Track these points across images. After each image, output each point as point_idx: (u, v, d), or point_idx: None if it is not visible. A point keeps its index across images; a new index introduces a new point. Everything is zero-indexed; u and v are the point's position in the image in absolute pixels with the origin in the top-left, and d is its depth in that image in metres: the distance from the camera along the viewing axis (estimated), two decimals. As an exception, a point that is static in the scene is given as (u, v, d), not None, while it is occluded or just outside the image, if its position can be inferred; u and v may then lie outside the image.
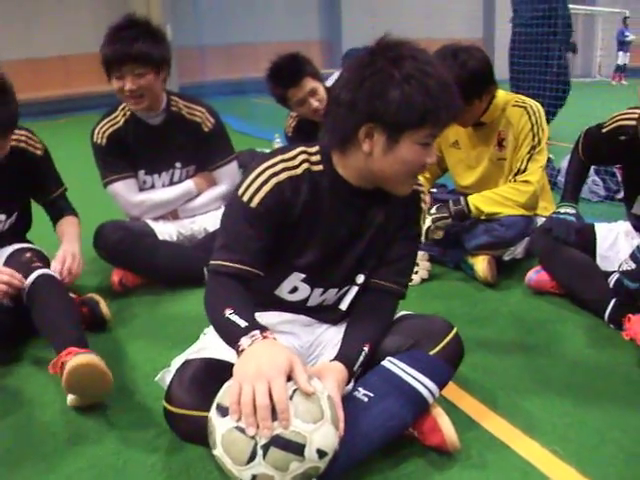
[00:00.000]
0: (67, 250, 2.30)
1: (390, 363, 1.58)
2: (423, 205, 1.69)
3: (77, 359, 1.75)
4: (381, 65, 1.41)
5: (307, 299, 1.70)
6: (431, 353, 1.59)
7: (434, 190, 3.17)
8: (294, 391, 1.27)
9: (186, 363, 1.54)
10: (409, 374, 1.55)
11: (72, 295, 2.30)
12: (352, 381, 1.56)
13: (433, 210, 2.76)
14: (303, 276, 1.64)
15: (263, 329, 1.37)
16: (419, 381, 1.55)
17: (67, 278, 2.24)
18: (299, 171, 1.53)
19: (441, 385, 1.60)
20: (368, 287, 1.70)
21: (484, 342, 2.21)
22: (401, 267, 1.71)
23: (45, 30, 9.68)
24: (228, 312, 1.41)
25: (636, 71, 13.27)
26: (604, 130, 2.42)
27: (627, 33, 14.68)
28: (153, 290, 2.75)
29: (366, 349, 1.58)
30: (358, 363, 1.55)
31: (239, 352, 1.34)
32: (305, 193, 1.53)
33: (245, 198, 1.50)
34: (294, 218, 1.53)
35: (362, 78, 1.42)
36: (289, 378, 1.28)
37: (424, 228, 2.72)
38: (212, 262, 1.53)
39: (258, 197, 1.49)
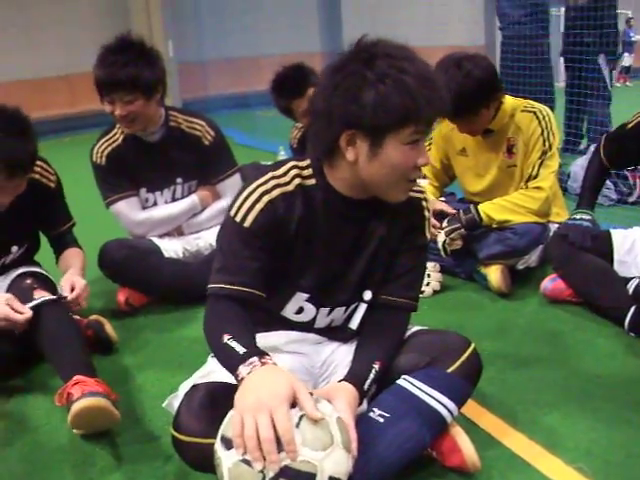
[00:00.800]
0: (76, 279, 2.21)
1: (406, 382, 1.52)
2: (426, 213, 1.62)
3: (82, 403, 1.69)
4: (353, 67, 1.35)
5: (314, 320, 1.63)
6: (449, 370, 1.52)
7: (442, 199, 3.11)
8: (300, 418, 1.21)
9: (194, 388, 1.48)
10: (426, 393, 1.49)
11: (76, 317, 2.26)
12: (365, 401, 1.50)
13: (445, 224, 2.71)
14: (307, 296, 1.59)
15: (262, 354, 1.31)
16: (437, 400, 1.49)
17: (75, 307, 2.17)
18: (291, 187, 1.48)
19: (460, 404, 1.54)
20: (377, 303, 1.63)
21: (501, 355, 2.15)
22: (410, 280, 1.64)
23: (48, 50, 9.72)
24: (226, 338, 1.35)
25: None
26: (630, 126, 2.37)
27: (631, 34, 14.62)
28: (160, 309, 2.70)
29: (377, 367, 1.51)
30: (368, 381, 1.49)
31: (239, 381, 1.28)
32: (299, 209, 1.48)
33: (238, 218, 1.45)
34: (290, 235, 1.48)
35: (335, 84, 1.36)
36: (294, 404, 1.22)
37: (440, 243, 2.71)
38: (211, 285, 1.48)
39: (251, 216, 1.44)
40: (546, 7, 4.97)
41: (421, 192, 1.61)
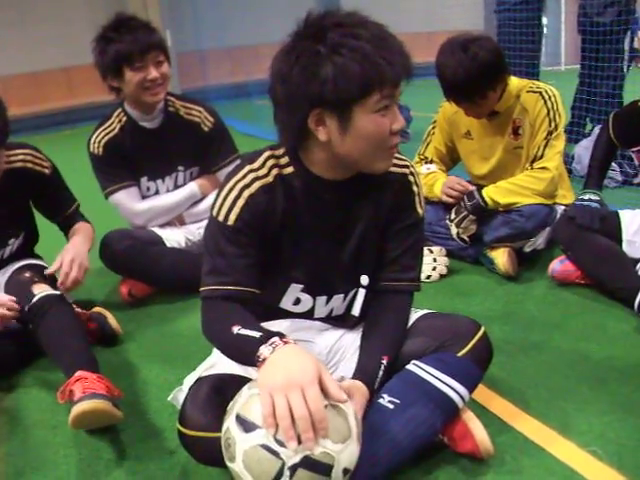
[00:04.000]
0: (64, 256, 2.19)
1: (416, 367, 1.49)
2: (415, 188, 1.56)
3: (82, 406, 1.64)
4: (304, 45, 1.30)
5: (312, 310, 1.60)
6: (459, 355, 1.50)
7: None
8: (325, 407, 1.18)
9: (199, 382, 1.45)
10: (437, 378, 1.46)
11: (79, 310, 2.24)
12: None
13: (452, 215, 2.69)
14: (301, 286, 1.55)
15: (281, 335, 1.28)
16: (448, 385, 1.46)
17: (66, 285, 2.15)
18: (270, 178, 1.44)
19: (471, 388, 1.51)
20: (377, 289, 1.59)
21: (510, 339, 2.11)
22: (407, 261, 1.59)
23: (46, 43, 9.67)
24: (237, 329, 1.32)
25: None
26: None
27: None
28: (164, 299, 2.67)
29: (384, 361, 1.48)
30: (378, 379, 1.47)
31: (260, 362, 1.24)
32: (281, 200, 1.44)
33: (221, 217, 1.42)
34: (275, 227, 1.45)
35: (290, 66, 1.31)
36: None
37: (454, 235, 2.68)
38: (203, 289, 1.45)
39: (234, 214, 1.41)
40: None
41: (406, 167, 1.55)
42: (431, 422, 1.44)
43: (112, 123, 2.70)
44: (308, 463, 1.15)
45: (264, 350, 1.24)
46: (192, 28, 10.20)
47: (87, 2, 10.06)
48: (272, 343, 1.24)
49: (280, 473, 1.15)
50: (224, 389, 1.38)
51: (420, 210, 1.57)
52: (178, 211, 2.79)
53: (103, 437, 1.75)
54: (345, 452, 1.19)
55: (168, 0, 10.10)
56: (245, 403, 1.23)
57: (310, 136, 1.37)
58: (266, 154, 1.46)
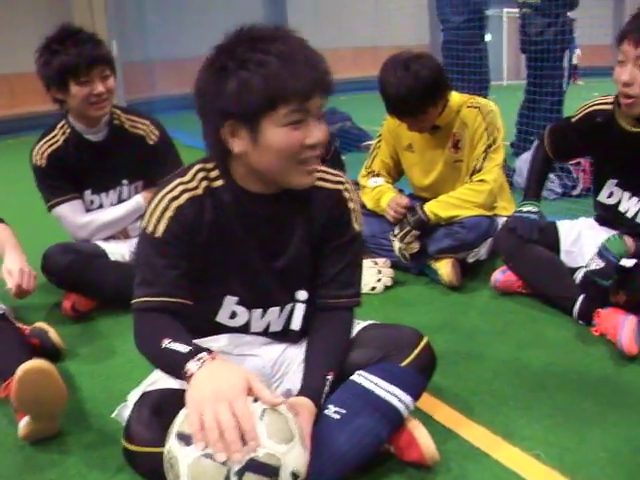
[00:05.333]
0: (11, 268, 2.16)
1: (361, 377, 1.50)
2: (351, 204, 1.56)
3: (27, 364, 1.65)
4: (217, 62, 1.34)
5: (248, 323, 1.60)
6: (403, 364, 1.51)
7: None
8: (264, 411, 1.19)
9: (143, 397, 1.44)
10: (382, 387, 1.48)
11: (20, 325, 2.19)
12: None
13: (396, 231, 2.73)
14: (236, 299, 1.56)
15: (209, 351, 1.29)
16: (393, 394, 1.47)
17: (20, 293, 2.13)
18: (200, 191, 1.45)
19: (415, 397, 1.53)
20: (319, 306, 1.60)
21: (454, 348, 2.15)
22: (346, 278, 1.59)
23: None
24: (166, 342, 1.33)
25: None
26: (575, 120, 2.40)
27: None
28: (107, 314, 2.62)
29: (330, 377, 1.49)
30: (324, 395, 1.47)
31: (187, 377, 1.25)
32: (209, 212, 1.45)
33: (150, 229, 1.43)
34: (203, 239, 1.46)
35: (203, 81, 1.36)
36: (256, 399, 1.20)
37: (397, 251, 2.71)
38: (133, 301, 1.45)
39: (162, 225, 1.42)
40: (484, 13, 5.10)
41: (340, 183, 1.56)
42: (377, 431, 1.45)
43: (56, 135, 2.66)
44: (254, 466, 1.14)
45: (191, 365, 1.25)
46: (139, 39, 10.12)
47: (32, 10, 9.90)
48: (200, 359, 1.26)
49: (227, 479, 1.14)
50: (169, 404, 1.37)
51: (356, 226, 1.58)
52: (123, 224, 2.75)
53: (46, 454, 1.72)
54: (291, 454, 1.19)
55: (115, 10, 9.99)
56: (183, 420, 1.23)
57: (227, 149, 1.39)
58: (197, 167, 1.48)
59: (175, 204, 1.43)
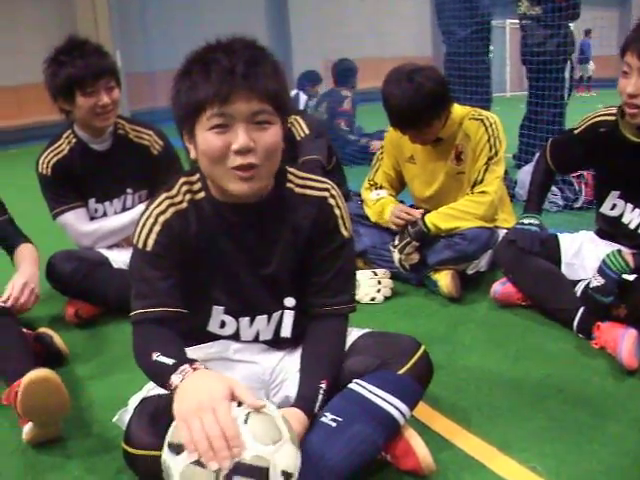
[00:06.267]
0: (16, 281, 2.19)
1: (358, 385, 1.52)
2: (337, 211, 1.56)
3: (32, 374, 1.68)
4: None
5: (237, 332, 1.62)
6: (400, 372, 1.53)
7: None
8: (248, 414, 1.21)
9: (144, 402, 1.47)
10: (378, 396, 1.49)
11: (25, 330, 2.21)
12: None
13: (396, 242, 2.74)
14: (222, 308, 1.58)
15: (192, 362, 1.31)
16: (389, 402, 1.49)
17: (17, 307, 2.14)
18: (184, 204, 1.49)
19: (412, 406, 1.54)
20: (312, 314, 1.61)
21: (452, 359, 2.16)
22: (339, 285, 1.59)
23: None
24: (155, 356, 1.35)
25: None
26: (577, 131, 2.40)
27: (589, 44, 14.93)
28: (110, 320, 2.65)
29: (324, 386, 1.50)
30: (317, 404, 1.48)
31: (172, 391, 1.27)
32: (194, 225, 1.49)
33: (140, 244, 1.47)
34: (191, 251, 1.50)
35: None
36: (240, 403, 1.22)
37: (396, 262, 2.72)
38: (131, 314, 1.48)
39: (151, 239, 1.46)
40: (488, 25, 5.10)
41: (326, 190, 1.56)
42: (373, 439, 1.46)
43: (61, 144, 2.70)
44: (242, 469, 1.15)
45: (174, 379, 1.28)
46: (143, 49, 10.17)
47: (38, 20, 9.97)
48: (182, 371, 1.28)
49: None
50: (168, 408, 1.38)
51: (345, 232, 1.58)
52: (126, 233, 2.77)
53: (49, 456, 1.74)
54: (280, 453, 1.19)
55: (119, 21, 10.06)
56: (173, 430, 1.25)
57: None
58: (181, 180, 1.52)
59: (162, 218, 1.47)
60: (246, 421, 1.19)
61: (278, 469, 1.19)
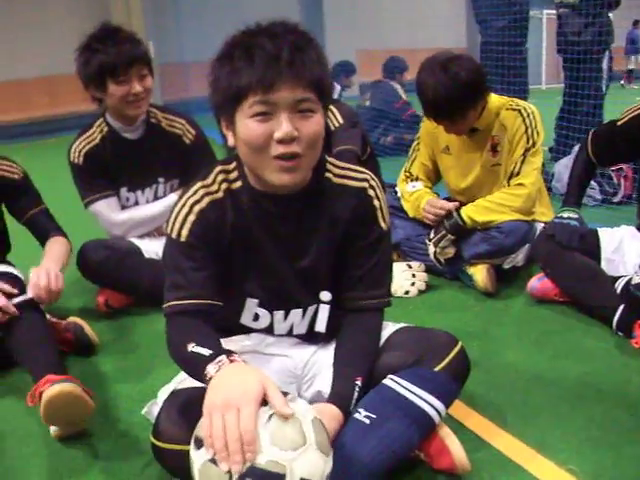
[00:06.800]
0: (40, 270, 2.12)
1: (393, 382, 1.48)
2: (377, 202, 1.52)
3: (53, 389, 1.66)
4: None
5: (271, 325, 1.59)
6: (436, 369, 1.48)
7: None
8: (271, 416, 1.15)
9: (173, 395, 1.44)
10: (414, 393, 1.45)
11: (54, 320, 2.22)
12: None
13: (431, 235, 2.70)
14: (256, 301, 1.55)
15: (229, 353, 1.28)
16: (425, 400, 1.44)
17: (46, 298, 2.08)
18: (220, 194, 1.46)
19: (448, 404, 1.50)
20: (347, 308, 1.57)
21: (487, 355, 2.11)
22: (374, 279, 1.56)
23: (29, 51, 9.65)
24: (191, 346, 1.32)
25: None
26: (621, 123, 2.33)
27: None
28: (140, 310, 2.64)
29: (359, 382, 1.46)
30: (353, 401, 1.44)
31: (207, 381, 1.24)
32: (230, 215, 1.46)
33: (174, 234, 1.44)
34: (226, 241, 1.46)
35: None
36: (266, 402, 1.17)
37: (431, 255, 2.68)
38: (164, 306, 1.45)
39: (185, 229, 1.43)
40: (526, 14, 5.00)
41: (365, 180, 1.53)
42: (407, 437, 1.42)
43: (93, 132, 2.69)
44: (256, 474, 1.10)
45: (210, 369, 1.24)
46: (175, 40, 10.21)
47: (71, 10, 10.05)
48: (219, 362, 1.24)
49: None
50: (198, 402, 1.36)
51: (383, 224, 1.54)
52: (158, 222, 2.76)
53: (76, 448, 1.73)
54: (299, 461, 1.13)
55: (152, 11, 10.10)
56: (200, 423, 1.21)
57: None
58: (217, 169, 1.48)
59: (197, 208, 1.44)
60: (267, 423, 1.14)
61: (296, 476, 1.13)
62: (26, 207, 2.37)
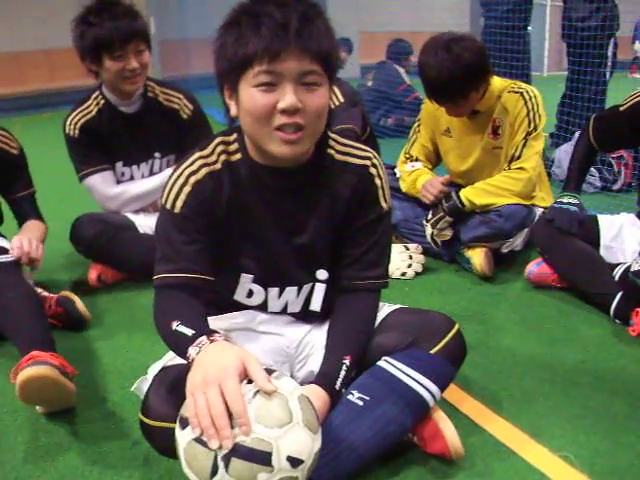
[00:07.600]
0: (22, 237, 2.13)
1: (387, 363, 1.45)
2: (378, 181, 1.49)
3: (26, 372, 1.61)
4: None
5: (265, 302, 1.56)
6: (432, 352, 1.46)
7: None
8: (255, 393, 1.12)
9: (163, 371, 1.42)
10: (408, 375, 1.42)
11: (45, 294, 2.20)
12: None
13: (429, 216, 2.67)
14: (251, 277, 1.52)
15: (210, 333, 1.25)
16: (419, 382, 1.42)
17: (25, 262, 2.10)
18: (218, 165, 1.42)
19: (443, 387, 1.48)
20: (343, 288, 1.54)
21: (483, 339, 2.09)
22: (373, 258, 1.52)
23: (27, 24, 9.54)
24: (175, 324, 1.30)
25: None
26: (624, 108, 2.30)
27: None
28: (133, 286, 2.62)
29: (347, 361, 1.43)
30: (340, 380, 1.41)
31: (190, 363, 1.22)
32: (227, 187, 1.42)
33: (168, 205, 1.40)
34: (222, 214, 1.43)
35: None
36: (250, 381, 1.14)
37: (428, 236, 2.65)
38: (154, 277, 1.42)
39: (180, 201, 1.39)
40: (530, 2, 4.95)
41: (368, 159, 1.50)
42: (401, 420, 1.40)
43: (89, 105, 2.65)
44: (241, 452, 1.08)
45: (191, 351, 1.22)
46: (177, 16, 10.11)
47: (71, -15, 9.91)
48: (199, 343, 1.22)
49: (215, 465, 1.08)
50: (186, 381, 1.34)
51: (384, 204, 1.52)
52: (153, 197, 2.73)
53: (63, 425, 1.71)
54: (286, 438, 1.11)
55: (153, -13, 9.98)
56: (185, 404, 1.18)
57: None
58: (217, 140, 1.45)
59: (193, 179, 1.40)
60: (252, 399, 1.12)
61: (283, 454, 1.10)
62: (16, 187, 2.36)
